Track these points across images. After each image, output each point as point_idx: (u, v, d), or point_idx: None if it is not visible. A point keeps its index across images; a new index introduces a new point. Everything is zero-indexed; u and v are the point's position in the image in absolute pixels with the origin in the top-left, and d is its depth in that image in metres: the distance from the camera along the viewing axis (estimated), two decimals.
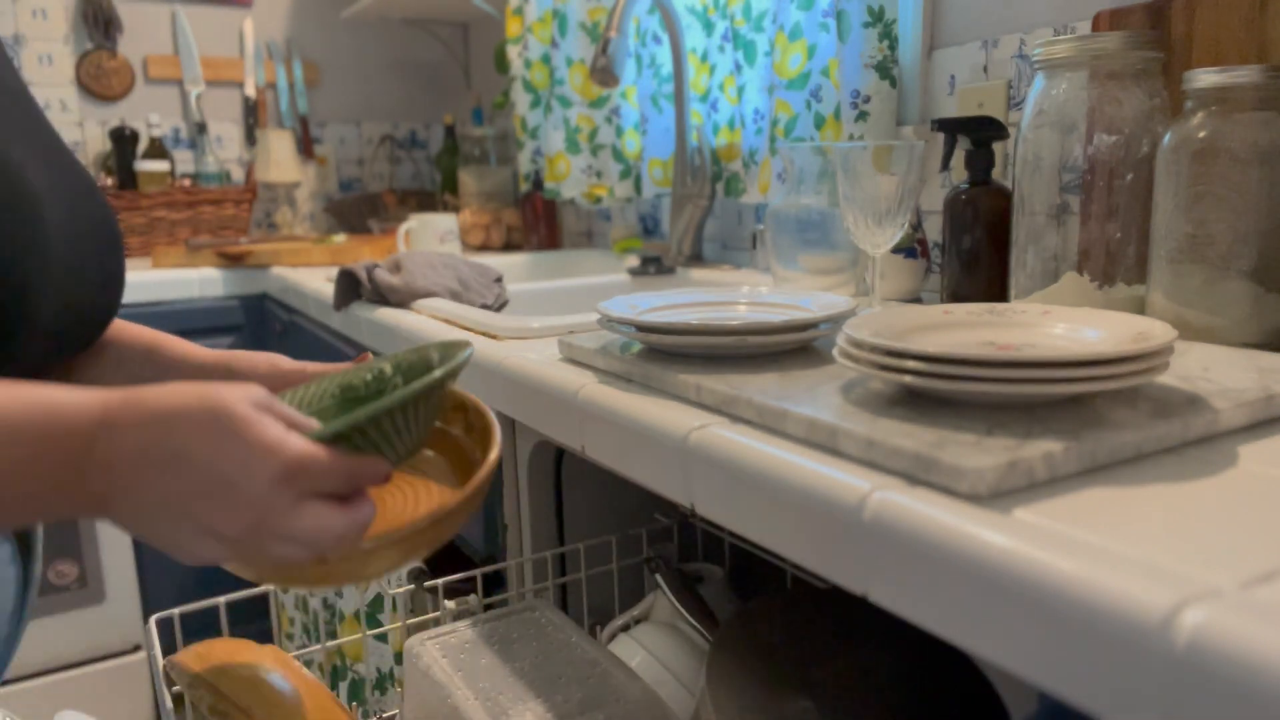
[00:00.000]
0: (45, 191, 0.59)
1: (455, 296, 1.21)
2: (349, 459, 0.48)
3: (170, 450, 0.43)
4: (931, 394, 0.52)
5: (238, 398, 0.45)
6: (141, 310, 1.71)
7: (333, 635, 1.24)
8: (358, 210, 2.30)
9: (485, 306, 1.22)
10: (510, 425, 0.94)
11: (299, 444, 0.45)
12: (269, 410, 0.46)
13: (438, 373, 0.53)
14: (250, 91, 2.35)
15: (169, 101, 2.28)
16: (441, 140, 2.47)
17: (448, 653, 0.76)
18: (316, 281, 1.50)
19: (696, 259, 1.55)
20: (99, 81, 2.18)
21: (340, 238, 1.96)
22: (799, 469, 0.48)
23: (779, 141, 1.28)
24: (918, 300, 1.03)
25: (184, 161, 2.27)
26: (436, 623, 0.88)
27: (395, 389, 0.65)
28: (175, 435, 0.44)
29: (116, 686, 1.77)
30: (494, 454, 0.58)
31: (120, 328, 0.73)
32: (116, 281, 0.68)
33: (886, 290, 1.02)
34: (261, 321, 1.88)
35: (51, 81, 2.15)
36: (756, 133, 1.39)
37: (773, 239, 1.03)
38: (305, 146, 2.42)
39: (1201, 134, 0.66)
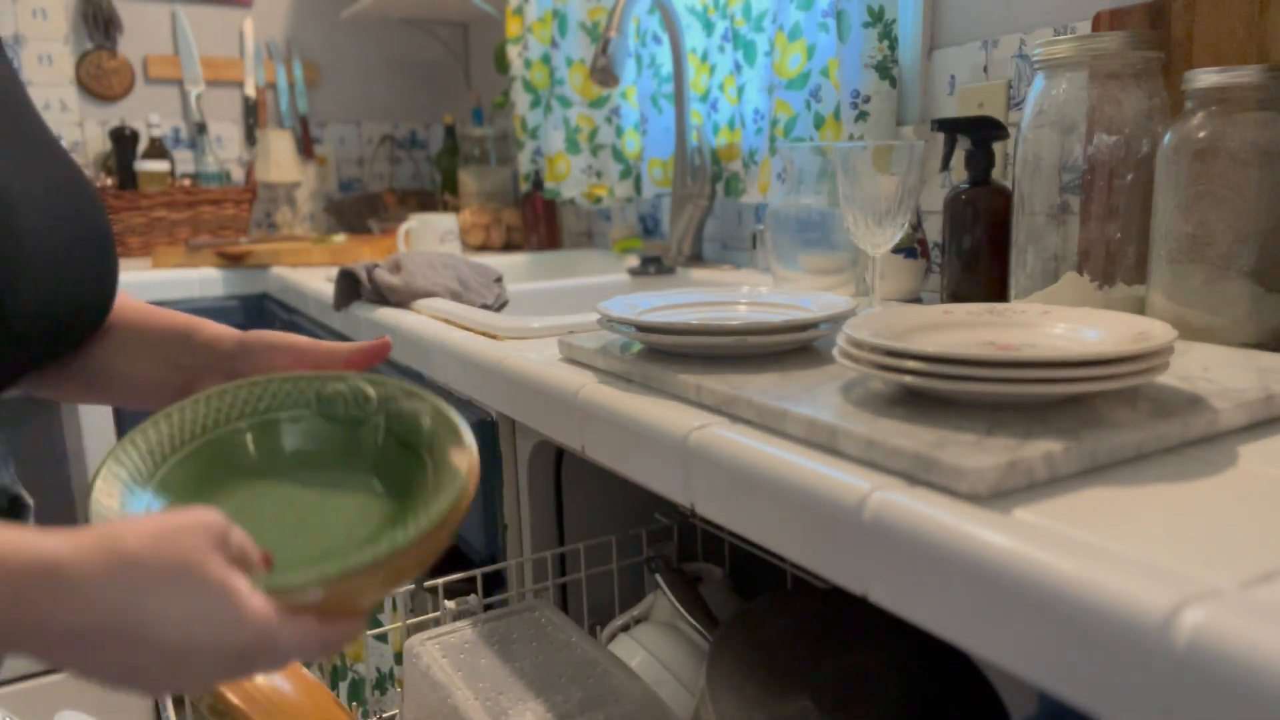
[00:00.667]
0: (20, 189, 0.58)
1: (455, 296, 1.21)
2: (320, 628, 0.44)
3: (124, 622, 0.39)
4: (931, 394, 0.52)
5: (208, 550, 0.41)
6: None
7: None
8: (358, 210, 2.30)
9: (485, 306, 1.22)
10: (510, 425, 0.94)
11: (265, 617, 0.42)
12: (238, 560, 0.43)
13: (440, 509, 0.47)
14: (250, 91, 2.35)
15: (169, 101, 2.28)
16: (441, 140, 2.47)
17: (448, 653, 0.76)
18: (316, 281, 1.50)
19: (696, 259, 1.55)
20: (99, 81, 2.18)
21: (340, 238, 1.96)
22: (799, 469, 0.48)
23: (779, 141, 1.28)
24: (918, 300, 1.03)
25: (184, 161, 2.27)
26: (436, 623, 0.88)
27: (374, 426, 0.58)
28: (132, 606, 0.39)
29: None
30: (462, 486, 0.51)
31: (154, 312, 0.72)
32: (106, 281, 0.66)
33: (886, 290, 1.02)
34: (261, 321, 1.88)
35: (51, 81, 2.15)
36: (756, 133, 1.39)
37: (773, 239, 1.03)
38: (305, 146, 2.42)
39: (1201, 134, 0.66)
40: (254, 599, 0.41)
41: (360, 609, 0.46)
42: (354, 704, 1.17)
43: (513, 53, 1.91)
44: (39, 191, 0.60)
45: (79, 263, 0.63)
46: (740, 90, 1.41)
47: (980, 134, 0.89)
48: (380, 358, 0.65)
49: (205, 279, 1.79)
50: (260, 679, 0.71)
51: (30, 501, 0.65)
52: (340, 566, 0.44)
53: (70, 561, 0.38)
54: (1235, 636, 0.29)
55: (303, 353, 0.64)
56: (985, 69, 1.08)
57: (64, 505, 1.67)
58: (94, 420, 1.68)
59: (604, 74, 1.30)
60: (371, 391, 0.59)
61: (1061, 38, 0.74)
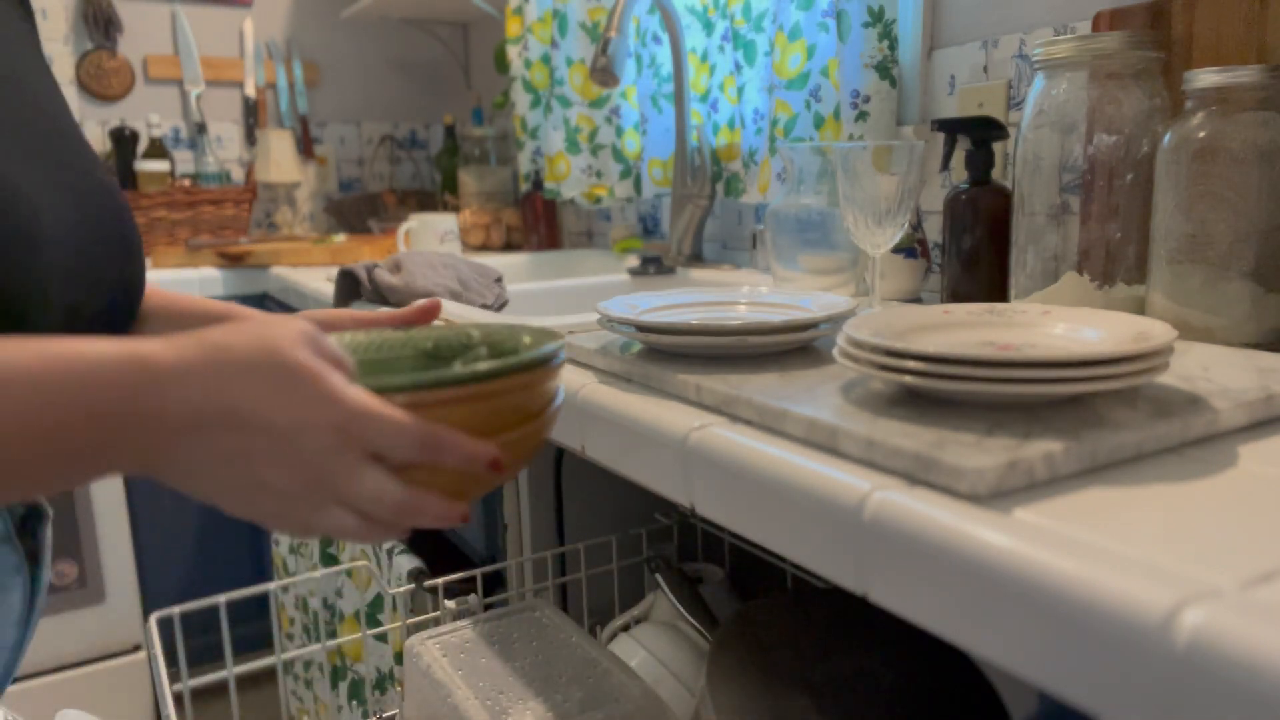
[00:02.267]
0: (46, 201, 0.57)
1: (455, 296, 1.21)
2: (420, 422, 0.43)
3: (223, 405, 0.41)
4: (931, 394, 0.52)
5: (296, 342, 0.42)
6: None
7: (333, 635, 1.24)
8: (358, 210, 2.30)
9: (485, 306, 1.22)
10: None
11: (360, 397, 0.42)
12: (329, 358, 0.44)
13: (550, 346, 0.49)
14: (250, 91, 2.35)
15: (169, 101, 2.28)
16: (441, 140, 2.47)
17: (448, 652, 0.76)
18: (316, 281, 1.50)
19: (696, 259, 1.55)
20: (99, 81, 2.18)
21: (340, 238, 1.96)
22: (799, 469, 0.48)
23: (779, 141, 1.28)
24: (918, 300, 1.03)
25: (184, 161, 2.27)
26: (436, 622, 0.88)
27: (477, 355, 0.60)
28: (228, 389, 0.41)
29: (116, 686, 1.77)
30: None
31: (191, 300, 0.71)
32: (133, 287, 0.66)
33: (886, 290, 1.02)
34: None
35: None
36: (756, 133, 1.39)
37: (773, 239, 1.03)
38: (305, 146, 2.42)
39: (1201, 134, 0.66)
40: (345, 385, 0.42)
41: (459, 443, 0.45)
42: (354, 703, 1.17)
43: (513, 53, 1.91)
44: (68, 201, 0.59)
45: (103, 272, 0.62)
46: (740, 90, 1.41)
47: (980, 134, 0.89)
48: (434, 316, 0.64)
49: (205, 279, 1.79)
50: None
51: (49, 510, 0.65)
52: (434, 377, 0.45)
53: (169, 358, 0.41)
54: (1235, 636, 0.29)
55: (363, 322, 0.64)
56: (985, 69, 1.08)
57: (64, 505, 1.68)
58: None
59: (604, 74, 1.30)
60: (474, 331, 0.62)
61: (1061, 38, 0.74)
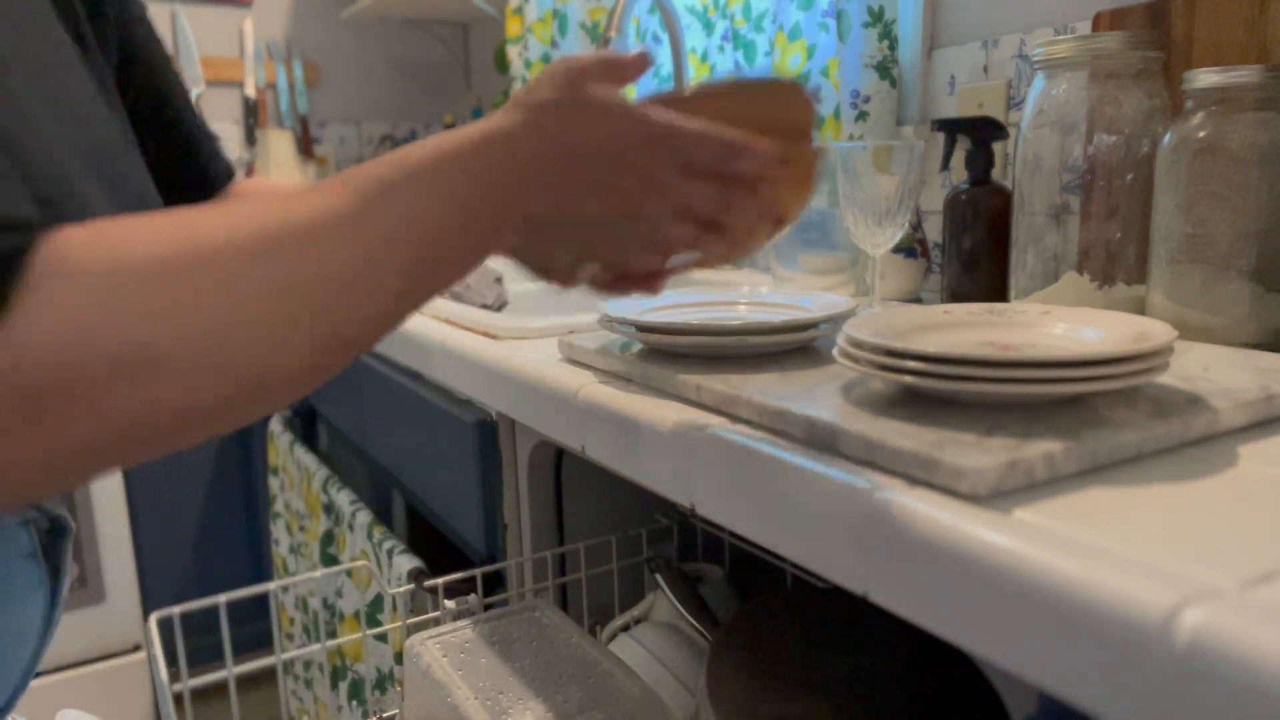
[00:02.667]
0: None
1: (455, 296, 1.21)
2: (715, 126, 0.49)
3: (567, 144, 0.47)
4: (931, 394, 0.52)
5: (591, 86, 0.48)
6: None
7: (333, 635, 1.24)
8: None
9: (485, 306, 1.22)
10: (510, 425, 0.94)
11: (661, 114, 0.48)
12: (618, 92, 0.49)
13: (788, 78, 0.54)
14: (250, 91, 2.35)
15: None
16: None
17: (448, 652, 0.76)
18: None
19: None
20: None
21: None
22: (799, 469, 0.48)
23: None
24: (918, 300, 1.03)
25: None
26: (436, 622, 0.88)
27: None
28: (565, 131, 0.47)
29: (116, 686, 1.77)
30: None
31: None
32: None
33: (886, 290, 1.02)
34: None
35: None
36: None
37: None
38: (305, 146, 2.42)
39: (1201, 134, 0.66)
40: (643, 109, 0.48)
41: (757, 144, 0.50)
42: (354, 703, 1.18)
43: (513, 53, 1.91)
44: None
45: None
46: None
47: (980, 134, 0.89)
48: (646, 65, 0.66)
49: None
50: None
51: (73, 525, 0.65)
52: (714, 80, 0.51)
53: (515, 124, 0.47)
54: (1235, 636, 0.29)
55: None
56: (985, 69, 1.08)
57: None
58: None
59: None
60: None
61: (1061, 38, 0.74)
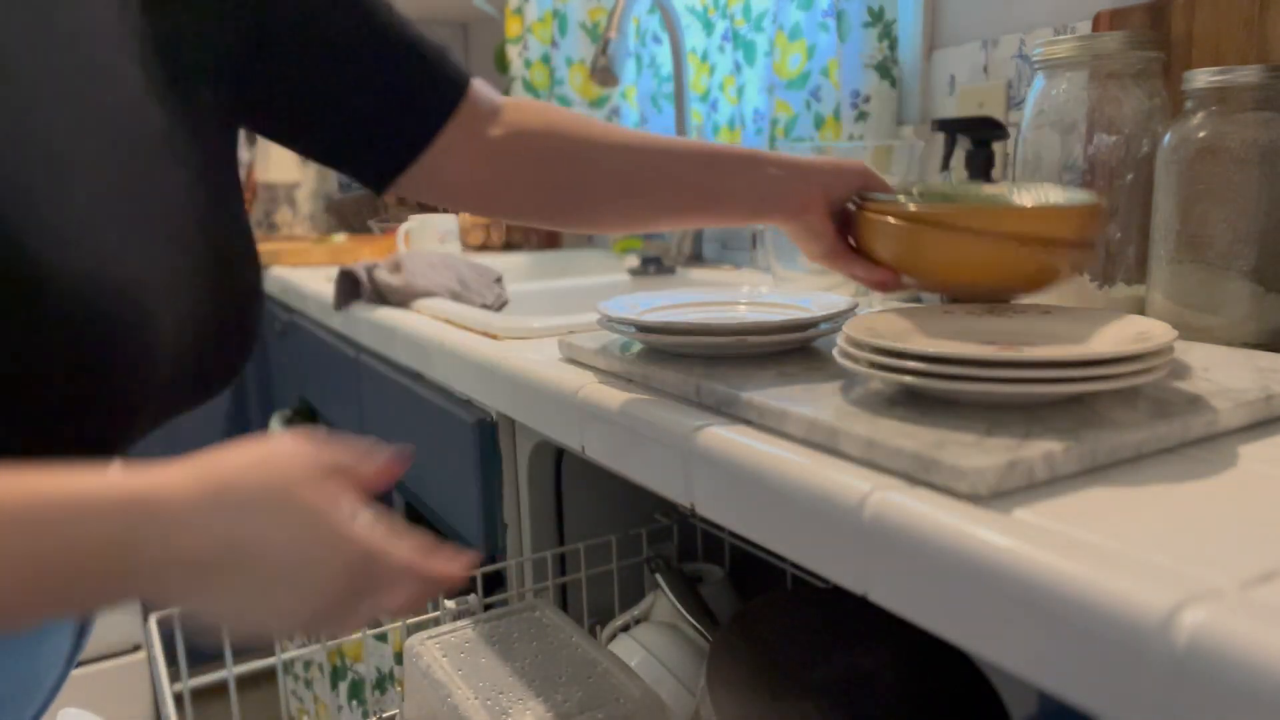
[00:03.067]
0: (163, 298, 0.47)
1: (455, 296, 1.21)
2: (423, 557, 0.45)
3: (231, 546, 0.40)
4: (931, 394, 0.52)
5: (304, 478, 0.42)
6: None
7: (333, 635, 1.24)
8: (358, 210, 2.29)
9: (485, 306, 1.22)
10: (510, 425, 0.94)
11: (366, 535, 0.43)
12: (335, 486, 0.43)
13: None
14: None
15: None
16: None
17: (448, 652, 0.76)
18: (316, 281, 1.50)
19: (696, 259, 1.54)
20: None
21: (340, 238, 1.96)
22: (799, 469, 0.48)
23: (779, 141, 1.28)
24: (918, 300, 1.03)
25: None
26: (436, 622, 0.88)
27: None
28: (235, 530, 0.40)
29: (116, 686, 1.77)
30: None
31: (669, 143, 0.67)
32: (235, 368, 0.58)
33: None
34: (261, 322, 1.88)
35: None
36: (756, 133, 1.39)
37: (773, 239, 1.03)
38: None
39: (1201, 134, 0.66)
40: (350, 522, 0.42)
41: (451, 566, 0.47)
42: (354, 703, 1.18)
43: (513, 53, 1.91)
44: (187, 285, 0.50)
45: (214, 364, 0.55)
46: (740, 90, 1.41)
47: (980, 134, 0.89)
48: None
49: None
50: None
51: None
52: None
53: (171, 499, 0.40)
54: (1235, 636, 0.29)
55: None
56: (985, 69, 1.08)
57: None
58: None
59: (604, 74, 1.30)
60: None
61: (1061, 38, 0.74)
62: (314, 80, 0.60)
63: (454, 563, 0.47)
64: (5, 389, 0.43)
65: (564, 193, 0.67)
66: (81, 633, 0.61)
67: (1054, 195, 0.65)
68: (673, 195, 0.67)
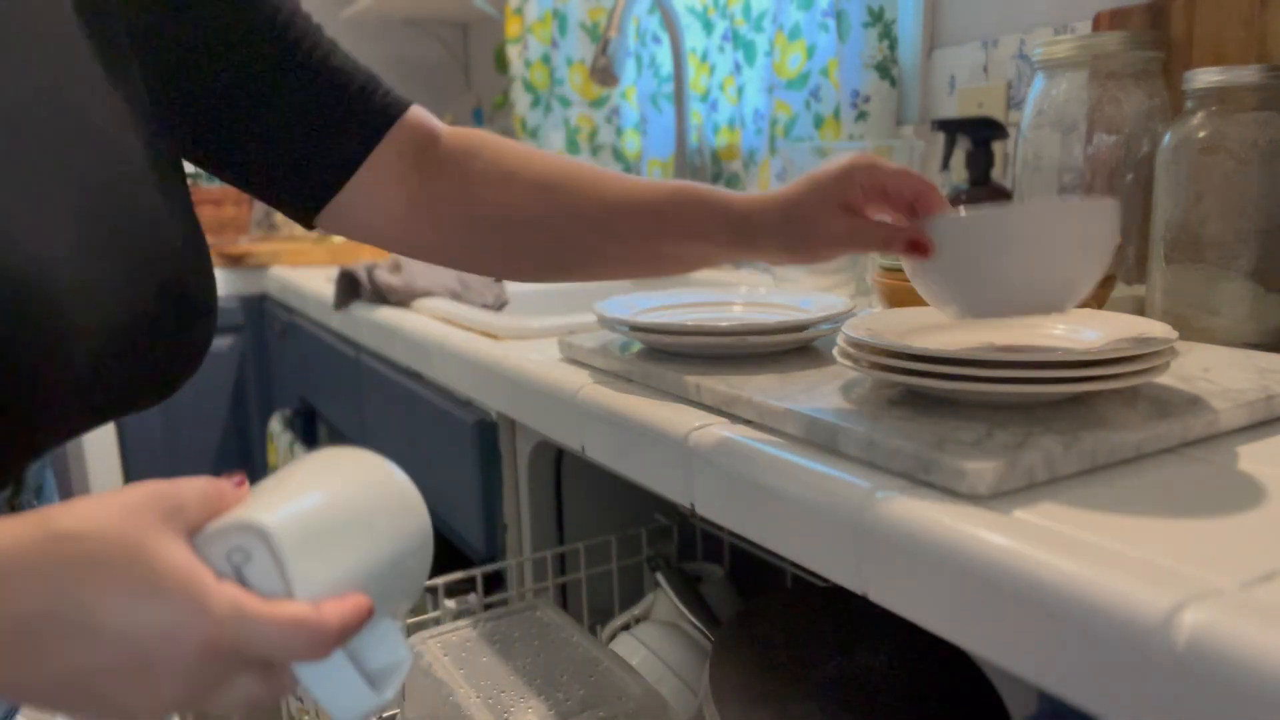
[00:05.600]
0: (78, 282, 0.45)
1: (455, 296, 1.21)
2: (293, 617, 0.36)
3: (63, 611, 0.33)
4: (931, 394, 0.52)
5: (159, 529, 0.35)
6: None
7: None
8: None
9: (485, 306, 1.22)
10: (510, 425, 0.94)
11: (233, 601, 0.35)
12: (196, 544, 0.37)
13: None
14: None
15: None
16: None
17: (449, 651, 0.76)
18: (316, 282, 1.50)
19: None
20: None
21: (340, 238, 1.96)
22: (799, 469, 0.48)
23: (779, 141, 1.28)
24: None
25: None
26: (437, 622, 0.88)
27: None
28: (71, 591, 0.33)
29: None
30: None
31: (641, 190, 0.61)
32: (185, 362, 0.53)
33: None
34: (261, 322, 1.88)
35: None
36: (756, 133, 1.39)
37: None
38: None
39: (1201, 134, 0.66)
40: (213, 581, 0.35)
41: (330, 629, 0.37)
42: None
43: (513, 53, 1.91)
44: (111, 283, 0.47)
45: (145, 355, 0.50)
46: (740, 90, 1.41)
47: (980, 134, 0.89)
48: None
49: None
50: None
51: None
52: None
53: (1, 548, 0.34)
54: (1235, 636, 0.29)
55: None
56: (985, 69, 1.08)
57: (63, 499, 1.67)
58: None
59: (604, 74, 1.30)
60: None
61: (1061, 38, 0.74)
62: (236, 112, 0.59)
63: (347, 611, 0.37)
64: None
65: (486, 234, 0.63)
66: None
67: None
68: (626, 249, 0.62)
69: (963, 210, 0.52)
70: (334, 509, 0.40)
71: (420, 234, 0.64)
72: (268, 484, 0.41)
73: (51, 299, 0.43)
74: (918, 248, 0.52)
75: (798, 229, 0.56)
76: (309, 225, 0.64)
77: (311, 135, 0.60)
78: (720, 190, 0.60)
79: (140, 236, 0.49)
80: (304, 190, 0.62)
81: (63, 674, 0.33)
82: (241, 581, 0.37)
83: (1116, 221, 0.52)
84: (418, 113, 0.65)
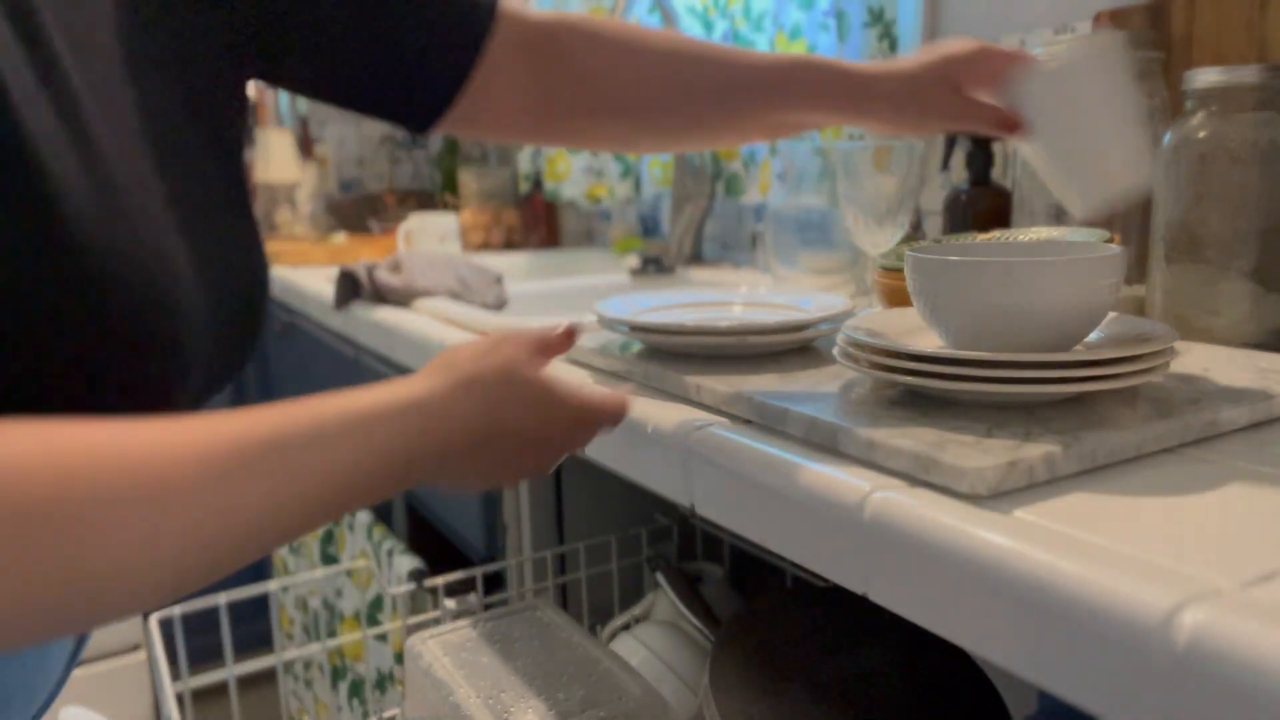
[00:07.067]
0: (184, 277, 0.48)
1: (455, 296, 1.21)
2: (605, 402, 0.54)
3: (489, 422, 0.49)
4: (931, 394, 0.52)
5: (526, 363, 0.51)
6: None
7: (333, 635, 1.24)
8: (358, 210, 2.30)
9: (485, 306, 1.22)
10: None
11: (576, 395, 0.52)
12: (548, 370, 0.53)
13: None
14: (250, 91, 2.35)
15: None
16: (441, 140, 2.47)
17: (449, 651, 0.76)
18: (316, 282, 1.50)
19: (696, 259, 1.55)
20: None
21: (340, 238, 1.96)
22: (799, 469, 0.48)
23: (779, 141, 1.28)
24: None
25: None
26: (436, 622, 0.88)
27: None
28: (489, 409, 0.49)
29: (116, 686, 1.77)
30: None
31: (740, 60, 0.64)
32: (240, 365, 0.57)
33: None
34: (266, 318, 1.87)
35: None
36: None
37: (772, 239, 1.03)
38: (305, 146, 2.42)
39: (1201, 134, 0.66)
40: (562, 386, 0.52)
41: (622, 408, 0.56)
42: (354, 703, 1.18)
43: None
44: (210, 264, 0.51)
45: (228, 368, 0.55)
46: None
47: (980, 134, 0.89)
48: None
49: None
50: None
51: None
52: None
53: (436, 397, 0.47)
54: (1235, 636, 0.29)
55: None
56: None
57: None
58: None
59: None
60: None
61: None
62: (339, 26, 0.60)
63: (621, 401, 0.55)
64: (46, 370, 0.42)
65: (604, 118, 0.66)
66: (83, 635, 0.61)
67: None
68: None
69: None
70: None
71: (538, 128, 0.67)
72: None
73: (174, 286, 0.48)
74: (1017, 127, 0.59)
75: (916, 101, 0.61)
76: (424, 132, 0.65)
77: (423, 42, 0.62)
78: (837, 59, 0.64)
79: (228, 256, 0.54)
80: (421, 100, 0.63)
81: (488, 458, 0.50)
82: None
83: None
84: (508, 3, 0.65)
